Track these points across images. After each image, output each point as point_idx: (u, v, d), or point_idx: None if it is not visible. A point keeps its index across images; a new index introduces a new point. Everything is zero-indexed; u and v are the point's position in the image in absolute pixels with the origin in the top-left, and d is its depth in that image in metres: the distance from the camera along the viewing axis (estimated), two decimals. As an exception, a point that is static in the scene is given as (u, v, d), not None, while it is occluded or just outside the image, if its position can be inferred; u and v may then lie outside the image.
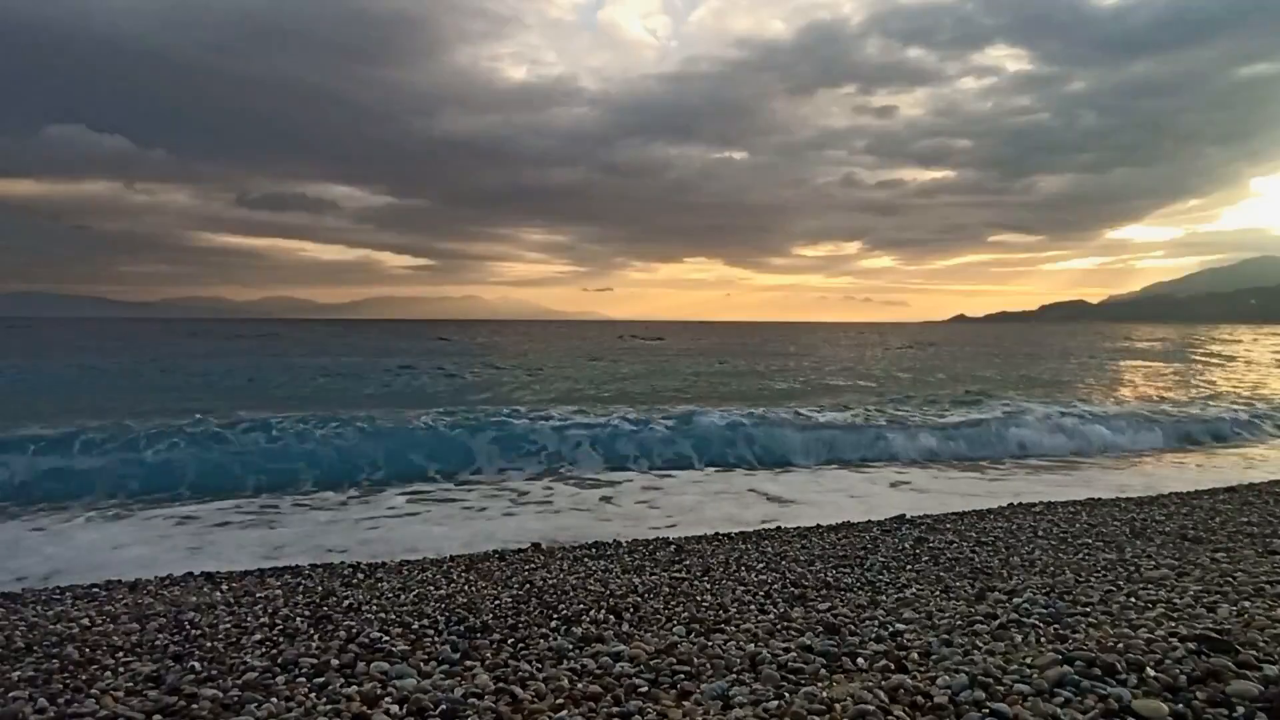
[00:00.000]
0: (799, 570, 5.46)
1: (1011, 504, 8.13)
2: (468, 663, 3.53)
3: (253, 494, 9.23)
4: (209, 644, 3.91)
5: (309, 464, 10.29)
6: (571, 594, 4.79)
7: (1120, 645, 3.26)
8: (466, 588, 5.03)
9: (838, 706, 2.82)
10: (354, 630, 4.05)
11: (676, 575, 5.34)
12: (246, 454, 10.48)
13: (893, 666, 3.31)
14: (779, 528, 7.32)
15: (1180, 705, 2.63)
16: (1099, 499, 8.21)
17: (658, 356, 32.75)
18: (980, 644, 3.56)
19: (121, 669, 3.56)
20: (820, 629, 3.94)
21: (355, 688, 3.19)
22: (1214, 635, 3.22)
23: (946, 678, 3.01)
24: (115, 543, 6.99)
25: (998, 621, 3.92)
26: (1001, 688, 2.87)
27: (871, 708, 2.78)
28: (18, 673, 3.52)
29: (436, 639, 3.91)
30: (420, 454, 11.04)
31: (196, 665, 3.57)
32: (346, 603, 4.67)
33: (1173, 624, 3.63)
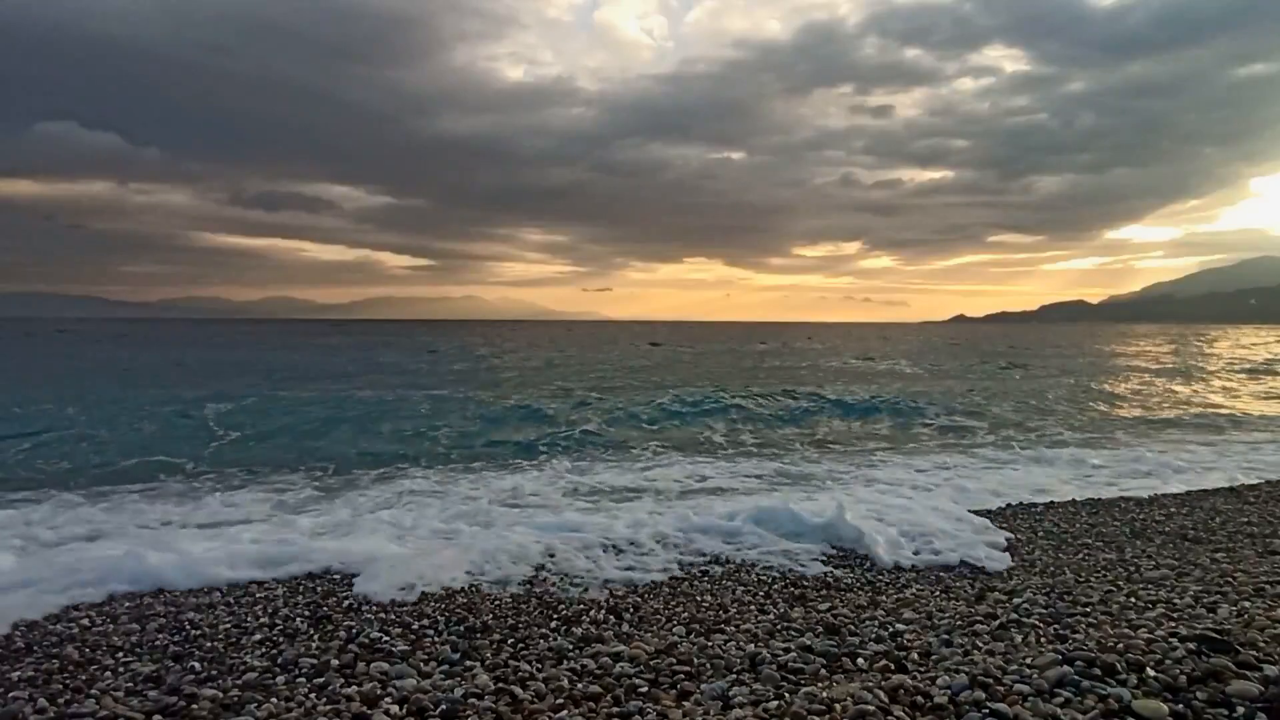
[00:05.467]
0: (799, 570, 5.46)
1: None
2: (468, 663, 3.53)
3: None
4: (209, 644, 3.91)
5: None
6: (571, 594, 4.79)
7: (1120, 645, 3.26)
8: (467, 588, 5.03)
9: (838, 706, 2.82)
10: (354, 630, 4.05)
11: (676, 575, 5.34)
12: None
13: (893, 666, 3.31)
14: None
15: (1180, 705, 2.63)
16: (1099, 499, 8.21)
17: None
18: (980, 644, 3.56)
19: (121, 669, 3.56)
20: (820, 629, 3.95)
21: (355, 688, 3.20)
22: (1214, 635, 3.22)
23: (946, 678, 3.01)
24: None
25: (998, 621, 3.92)
26: (1001, 688, 2.87)
27: (871, 708, 2.78)
28: (18, 673, 3.53)
29: (436, 639, 3.91)
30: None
31: (196, 665, 3.57)
32: (346, 603, 4.67)
33: (1173, 624, 3.63)
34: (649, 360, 34.05)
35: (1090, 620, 3.86)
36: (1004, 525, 6.92)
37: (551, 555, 5.78)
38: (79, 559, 5.50)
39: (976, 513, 7.35)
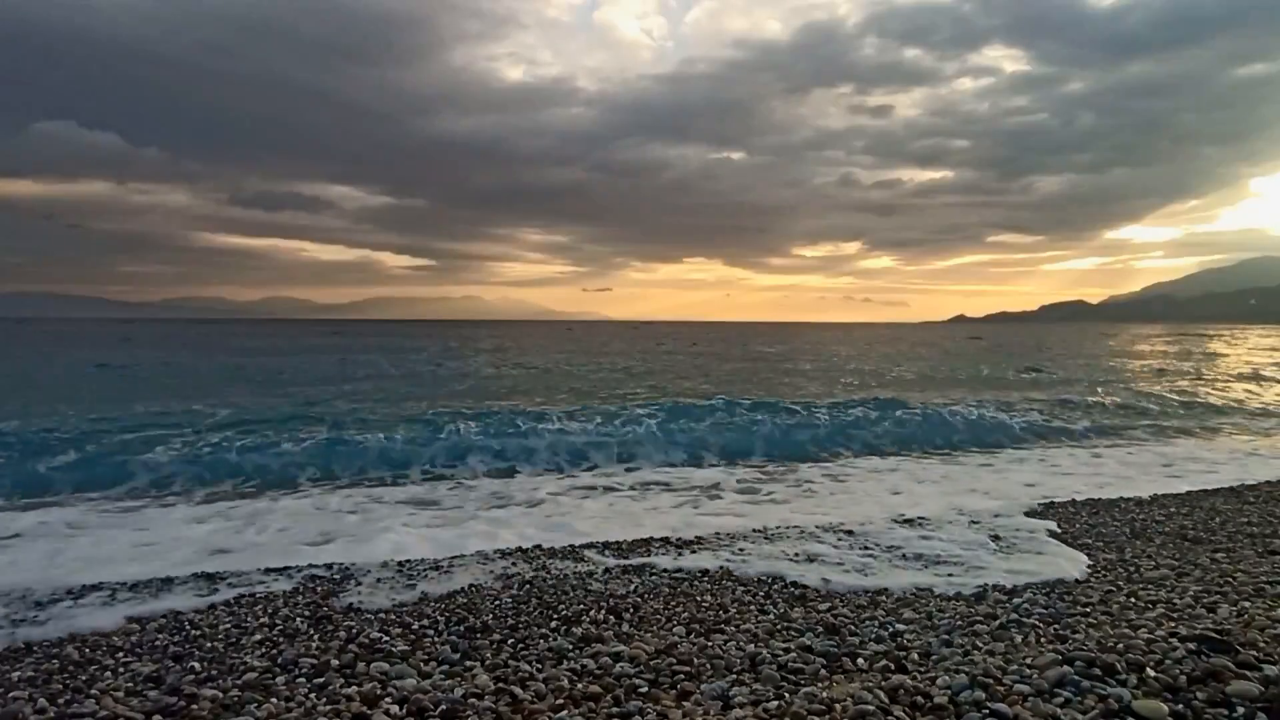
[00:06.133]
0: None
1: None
2: (468, 663, 3.53)
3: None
4: (209, 644, 3.91)
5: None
6: (572, 594, 4.79)
7: (1120, 645, 3.26)
8: (467, 588, 5.03)
9: (838, 706, 2.82)
10: (354, 630, 4.05)
11: (676, 575, 5.33)
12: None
13: (893, 666, 3.31)
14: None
15: (1180, 705, 2.64)
16: (1099, 499, 8.21)
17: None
18: (980, 644, 3.56)
19: (121, 669, 3.56)
20: (820, 629, 3.95)
21: (355, 688, 3.20)
22: (1214, 635, 3.23)
23: (946, 678, 3.01)
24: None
25: (998, 621, 3.92)
26: (1001, 688, 2.87)
27: (871, 708, 2.78)
28: (18, 673, 3.53)
29: (436, 639, 3.91)
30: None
31: (196, 665, 3.57)
32: (347, 603, 4.67)
33: (1173, 624, 3.63)
34: (654, 363, 33.94)
35: (1090, 620, 3.86)
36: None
37: (551, 557, 5.78)
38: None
39: (980, 512, 7.36)
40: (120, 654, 3.80)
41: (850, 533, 6.73)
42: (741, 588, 4.96)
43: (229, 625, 4.23)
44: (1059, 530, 6.62)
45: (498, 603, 4.61)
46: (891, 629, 3.90)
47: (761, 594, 4.79)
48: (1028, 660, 3.17)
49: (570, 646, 3.74)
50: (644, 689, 3.15)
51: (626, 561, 5.78)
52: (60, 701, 3.17)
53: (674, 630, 4.02)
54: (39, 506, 8.30)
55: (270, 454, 10.18)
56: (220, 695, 3.16)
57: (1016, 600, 4.37)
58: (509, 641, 3.86)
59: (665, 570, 5.45)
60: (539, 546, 6.45)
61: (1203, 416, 16.49)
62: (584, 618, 4.26)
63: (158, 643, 3.96)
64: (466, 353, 41.13)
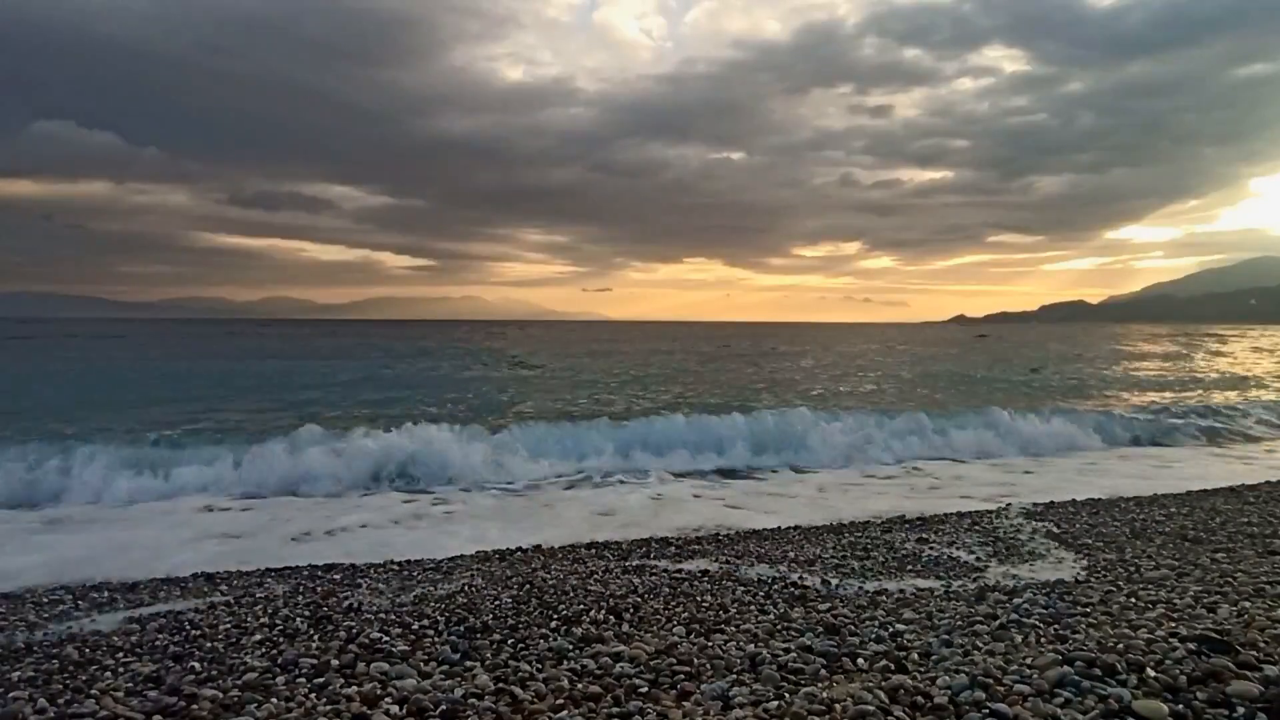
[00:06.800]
0: (799, 570, 5.45)
1: (1010, 504, 8.13)
2: (468, 663, 3.53)
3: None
4: (209, 644, 3.91)
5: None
6: (572, 594, 4.79)
7: (1120, 645, 3.26)
8: (467, 588, 5.03)
9: (838, 707, 2.82)
10: (354, 630, 4.05)
11: (676, 575, 5.34)
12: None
13: (893, 667, 3.31)
14: (778, 528, 7.32)
15: (1180, 705, 2.63)
16: (1099, 499, 8.21)
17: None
18: (980, 644, 3.56)
19: (121, 669, 3.56)
20: (820, 629, 3.94)
21: (355, 688, 3.19)
22: (1214, 635, 3.22)
23: (946, 678, 3.01)
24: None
25: (998, 621, 3.92)
26: (1001, 688, 2.87)
27: (871, 708, 2.78)
28: (18, 673, 3.53)
29: (436, 639, 3.91)
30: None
31: (196, 665, 3.57)
32: (347, 603, 4.67)
33: (1173, 624, 3.63)
34: (656, 365, 33.80)
35: (1090, 620, 3.86)
36: (1004, 524, 6.93)
37: (551, 557, 5.79)
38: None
39: (975, 510, 7.36)
40: (120, 654, 3.80)
41: (850, 533, 6.73)
42: (741, 588, 4.95)
43: (229, 625, 4.23)
44: (1058, 530, 6.63)
45: (498, 603, 4.60)
46: (891, 629, 3.90)
47: (761, 594, 4.79)
48: (1028, 660, 3.17)
49: (570, 647, 3.74)
50: (644, 689, 3.14)
51: (626, 562, 5.78)
52: (60, 701, 3.16)
53: (674, 630, 4.01)
54: (37, 507, 8.32)
55: (269, 456, 10.17)
56: (220, 695, 3.15)
57: (1016, 600, 4.37)
58: (509, 641, 3.86)
59: (665, 570, 5.46)
60: (539, 547, 6.46)
61: (1209, 417, 16.51)
62: (584, 618, 4.26)
63: (158, 643, 3.96)
64: (468, 354, 41.11)
